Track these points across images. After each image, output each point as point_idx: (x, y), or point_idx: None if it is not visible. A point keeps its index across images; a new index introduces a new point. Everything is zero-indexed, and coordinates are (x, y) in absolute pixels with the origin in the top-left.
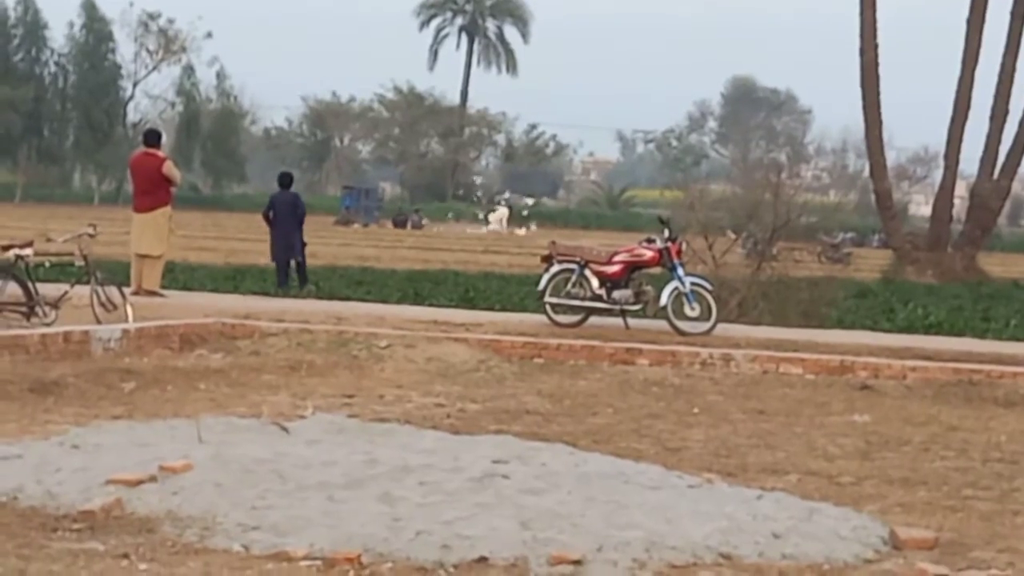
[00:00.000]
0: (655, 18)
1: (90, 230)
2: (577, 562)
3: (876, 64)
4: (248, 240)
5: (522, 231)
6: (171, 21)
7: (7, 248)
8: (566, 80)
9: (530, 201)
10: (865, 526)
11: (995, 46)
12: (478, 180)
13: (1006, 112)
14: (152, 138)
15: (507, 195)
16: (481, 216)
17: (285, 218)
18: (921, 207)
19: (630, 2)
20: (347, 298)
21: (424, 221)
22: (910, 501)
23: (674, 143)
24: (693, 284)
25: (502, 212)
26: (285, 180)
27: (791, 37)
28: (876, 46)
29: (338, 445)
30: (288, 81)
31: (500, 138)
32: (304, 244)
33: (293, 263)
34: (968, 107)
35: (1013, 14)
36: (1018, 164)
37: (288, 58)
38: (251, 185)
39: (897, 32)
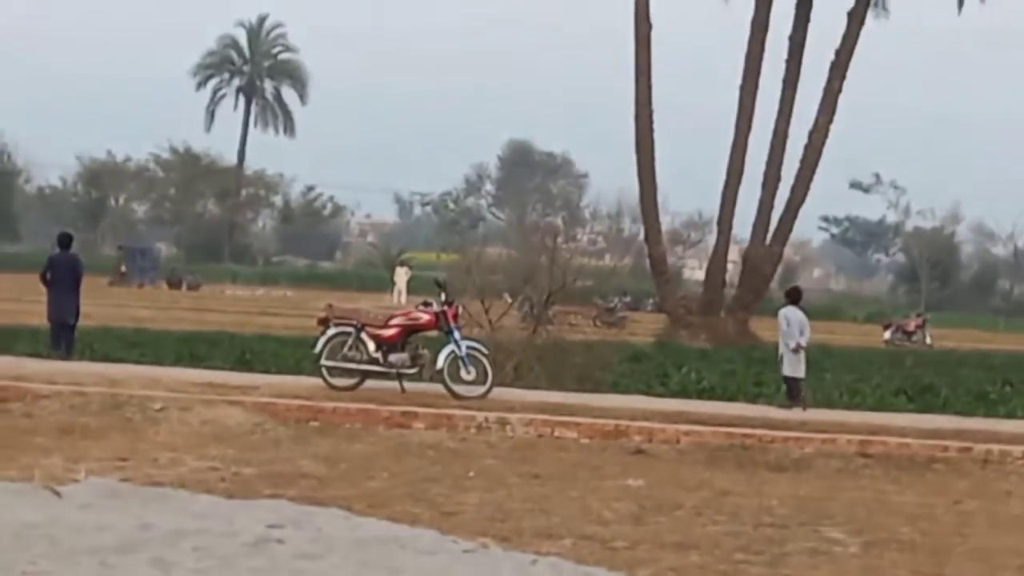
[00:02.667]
0: (433, 81)
1: None
2: None
3: (651, 129)
4: (21, 301)
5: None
6: None
7: None
8: (344, 142)
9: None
10: None
11: (768, 112)
12: None
13: (778, 178)
14: None
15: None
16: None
17: (63, 279)
18: (695, 271)
19: (409, 66)
20: (121, 360)
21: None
22: (683, 565)
23: (451, 206)
24: (469, 348)
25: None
26: (64, 241)
27: (567, 101)
28: (651, 112)
29: (111, 509)
30: (63, 139)
31: (277, 199)
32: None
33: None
34: (741, 172)
35: (785, 81)
36: (790, 230)
37: (63, 116)
38: (24, 244)
39: (672, 97)
